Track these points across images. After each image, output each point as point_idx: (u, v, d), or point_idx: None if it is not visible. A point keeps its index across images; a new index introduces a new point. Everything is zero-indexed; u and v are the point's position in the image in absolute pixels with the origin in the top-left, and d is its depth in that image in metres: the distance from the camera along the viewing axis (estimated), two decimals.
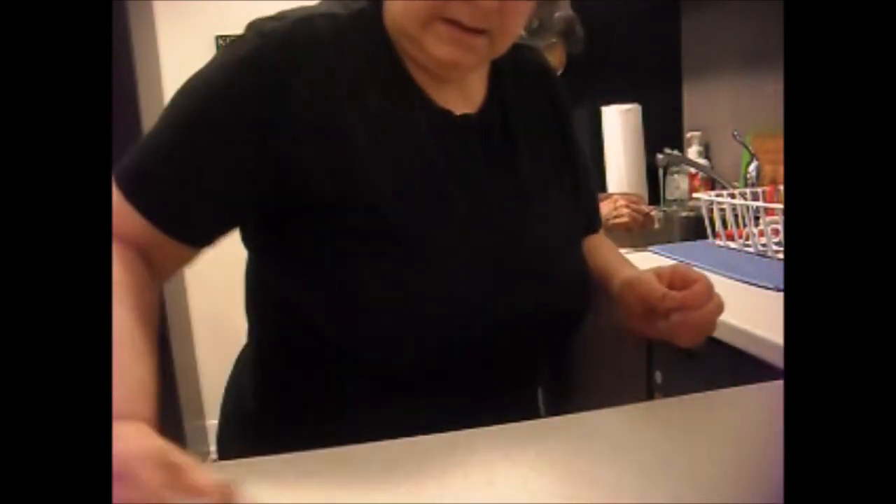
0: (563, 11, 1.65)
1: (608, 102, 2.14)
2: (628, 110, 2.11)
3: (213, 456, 0.83)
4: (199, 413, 2.89)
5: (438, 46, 0.66)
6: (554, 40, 1.64)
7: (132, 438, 0.47)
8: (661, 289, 0.71)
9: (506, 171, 0.73)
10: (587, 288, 0.78)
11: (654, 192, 2.17)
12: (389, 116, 0.68)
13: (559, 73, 1.67)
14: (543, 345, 0.75)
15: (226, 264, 3.30)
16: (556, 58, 1.65)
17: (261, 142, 0.64)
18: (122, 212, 0.64)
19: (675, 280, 0.73)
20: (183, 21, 2.81)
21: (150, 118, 2.46)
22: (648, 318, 0.72)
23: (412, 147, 0.68)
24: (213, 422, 3.38)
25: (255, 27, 0.71)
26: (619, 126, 2.10)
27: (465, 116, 0.72)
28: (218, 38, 2.83)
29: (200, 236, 0.67)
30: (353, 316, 0.66)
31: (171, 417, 2.47)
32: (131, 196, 0.65)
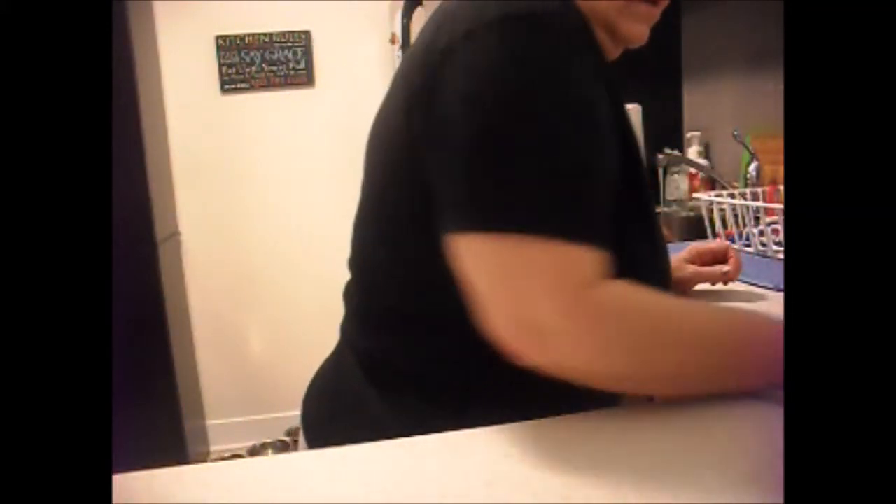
0: None
1: None
2: (628, 110, 2.11)
3: (213, 456, 0.82)
4: (199, 413, 2.89)
5: (635, 26, 0.70)
6: None
7: None
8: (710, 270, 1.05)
9: None
10: None
11: (655, 192, 2.17)
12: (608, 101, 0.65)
13: None
14: None
15: (226, 264, 3.32)
16: None
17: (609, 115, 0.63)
18: (583, 256, 0.57)
19: (698, 257, 1.04)
20: (183, 21, 2.81)
21: (150, 118, 2.47)
22: None
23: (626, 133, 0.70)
24: (212, 422, 3.37)
25: (510, 22, 0.59)
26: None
27: None
28: (218, 38, 2.83)
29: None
30: None
31: (171, 417, 2.48)
32: (574, 235, 0.57)
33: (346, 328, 0.81)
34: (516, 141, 0.57)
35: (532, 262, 0.57)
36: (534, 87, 0.58)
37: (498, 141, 0.58)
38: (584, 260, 0.57)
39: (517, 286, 0.57)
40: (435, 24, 0.65)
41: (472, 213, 0.58)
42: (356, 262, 0.78)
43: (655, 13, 0.72)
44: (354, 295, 0.79)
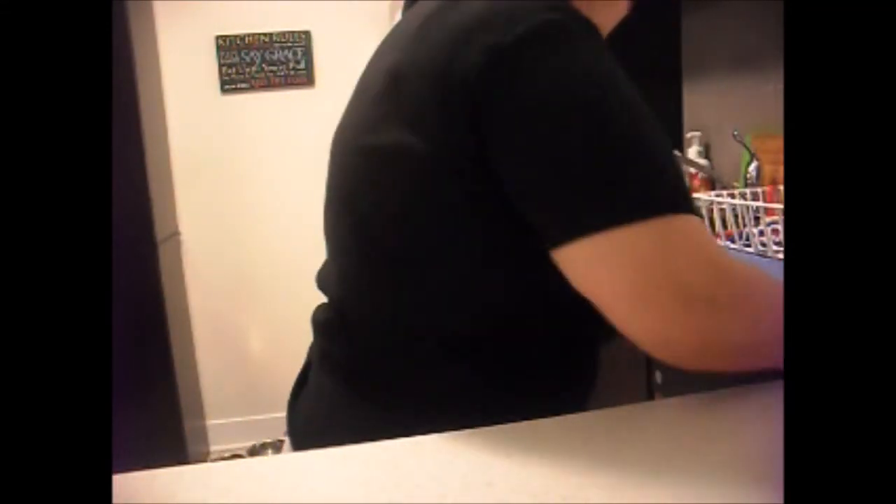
0: None
1: None
2: None
3: (213, 456, 0.83)
4: (199, 413, 2.89)
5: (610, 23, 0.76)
6: None
7: None
8: None
9: None
10: None
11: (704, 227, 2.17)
12: None
13: None
14: None
15: (226, 264, 3.32)
16: None
17: None
18: (699, 227, 0.59)
19: None
20: (183, 21, 2.81)
21: (150, 118, 2.47)
22: None
23: None
24: (212, 422, 3.37)
25: (517, 29, 0.60)
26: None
27: None
28: (218, 38, 2.83)
29: None
30: None
31: (171, 417, 2.48)
32: (687, 208, 0.59)
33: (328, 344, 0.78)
34: (605, 139, 0.58)
35: (666, 243, 0.57)
36: (601, 86, 0.60)
37: (588, 141, 0.58)
38: (702, 226, 0.59)
39: (664, 268, 0.57)
40: (440, 42, 0.63)
41: (590, 216, 0.58)
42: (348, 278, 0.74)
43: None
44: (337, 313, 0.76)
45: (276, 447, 2.84)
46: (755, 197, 1.50)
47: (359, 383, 0.73)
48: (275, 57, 2.88)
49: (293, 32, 2.89)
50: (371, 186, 0.68)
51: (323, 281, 0.81)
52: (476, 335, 0.68)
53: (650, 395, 1.33)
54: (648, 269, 0.57)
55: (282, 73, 2.89)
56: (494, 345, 0.68)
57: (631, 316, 0.59)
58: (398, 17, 0.88)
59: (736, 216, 1.44)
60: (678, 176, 0.60)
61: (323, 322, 0.78)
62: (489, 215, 0.63)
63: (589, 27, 0.62)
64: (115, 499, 0.48)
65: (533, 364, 0.71)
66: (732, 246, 1.46)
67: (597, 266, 0.59)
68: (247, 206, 2.94)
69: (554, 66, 0.59)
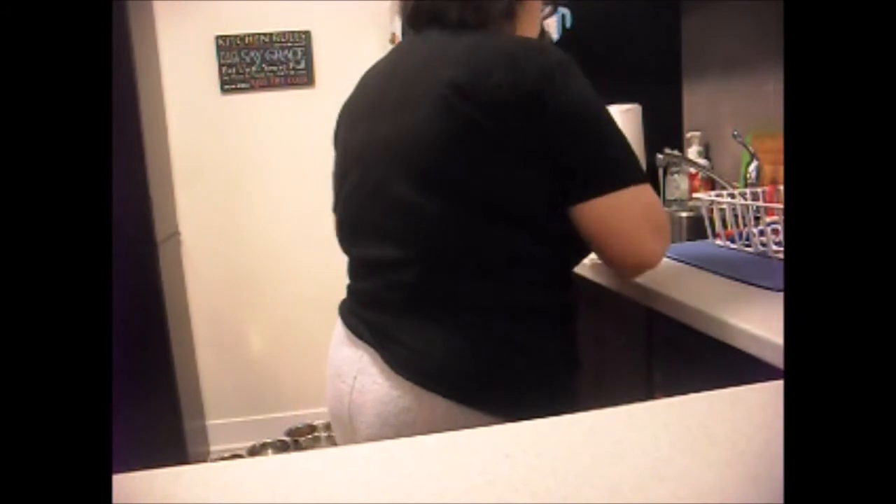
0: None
1: (608, 102, 2.13)
2: (628, 110, 2.11)
3: (213, 456, 0.83)
4: (199, 413, 2.89)
5: None
6: None
7: None
8: None
9: None
10: None
11: (655, 191, 2.17)
12: None
13: None
14: None
15: (226, 264, 3.31)
16: None
17: None
18: (651, 195, 0.98)
19: None
20: (183, 21, 2.81)
21: (150, 118, 2.47)
22: None
23: None
24: (212, 422, 3.36)
25: (553, 57, 0.94)
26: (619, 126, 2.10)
27: None
28: (218, 38, 2.83)
29: None
30: None
31: (171, 417, 2.48)
32: (644, 179, 0.97)
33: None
34: (612, 131, 0.96)
35: (645, 200, 0.97)
36: (600, 98, 0.96)
37: (603, 131, 0.95)
38: (652, 189, 0.99)
39: (646, 216, 0.97)
40: (498, 63, 0.93)
41: (604, 183, 0.94)
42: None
43: None
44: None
45: (276, 447, 2.84)
46: (755, 197, 1.50)
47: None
48: (275, 57, 2.88)
49: (293, 32, 2.89)
50: (451, 155, 0.93)
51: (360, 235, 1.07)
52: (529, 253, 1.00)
53: (650, 395, 1.33)
54: (638, 216, 0.96)
55: (282, 73, 2.89)
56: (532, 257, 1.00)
57: (626, 247, 0.97)
58: (396, 28, 1.10)
59: (736, 216, 1.44)
60: (638, 158, 0.98)
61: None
62: (536, 180, 0.94)
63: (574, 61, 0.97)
64: (115, 499, 0.48)
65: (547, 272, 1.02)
66: (732, 246, 1.46)
67: (608, 215, 0.95)
68: (247, 206, 2.94)
69: (577, 82, 0.94)
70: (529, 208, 0.95)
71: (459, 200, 0.94)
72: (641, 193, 0.96)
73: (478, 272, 0.96)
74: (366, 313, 1.03)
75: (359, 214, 1.06)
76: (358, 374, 1.00)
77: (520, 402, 0.88)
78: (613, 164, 0.95)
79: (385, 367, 0.96)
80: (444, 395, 0.93)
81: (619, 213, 0.95)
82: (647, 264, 0.99)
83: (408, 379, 0.94)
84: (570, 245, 1.00)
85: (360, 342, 1.01)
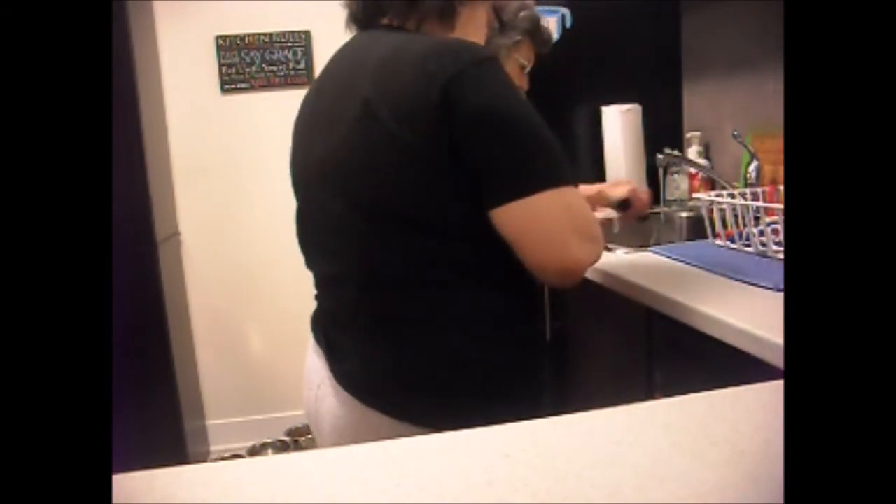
0: (528, 10, 1.65)
1: (608, 102, 2.14)
2: (628, 110, 2.11)
3: (213, 456, 0.83)
4: (199, 413, 2.89)
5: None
6: (519, 38, 1.64)
7: None
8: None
9: None
10: None
11: (655, 192, 2.17)
12: None
13: (527, 70, 1.66)
14: None
15: (226, 264, 3.31)
16: (523, 55, 1.65)
17: None
18: (579, 193, 0.93)
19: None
20: (183, 21, 2.81)
21: (150, 118, 2.47)
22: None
23: None
24: (212, 422, 3.36)
25: (465, 58, 0.89)
26: (619, 126, 2.10)
27: None
28: (218, 38, 2.83)
29: None
30: None
31: (171, 417, 2.47)
32: (572, 181, 0.92)
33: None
34: (530, 131, 0.89)
35: (568, 203, 0.91)
36: (519, 98, 0.91)
37: (518, 132, 0.89)
38: (579, 192, 0.94)
39: (569, 219, 0.91)
40: (414, 67, 0.89)
41: (521, 186, 0.88)
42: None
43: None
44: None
45: (276, 447, 2.84)
46: (755, 197, 1.50)
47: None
48: (275, 57, 2.88)
49: (293, 32, 2.88)
50: (372, 170, 0.91)
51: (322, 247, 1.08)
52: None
53: (650, 395, 1.33)
54: (559, 220, 0.90)
55: (282, 73, 2.89)
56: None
57: (546, 253, 0.91)
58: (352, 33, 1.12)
59: (736, 216, 1.44)
60: (566, 160, 0.92)
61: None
62: (456, 186, 0.90)
63: (497, 59, 0.93)
64: (115, 499, 0.48)
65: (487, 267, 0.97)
66: (732, 246, 1.46)
67: (524, 219, 0.89)
68: (247, 206, 2.94)
69: (494, 82, 0.90)
70: (455, 216, 0.91)
71: (384, 216, 0.92)
72: (563, 196, 0.89)
73: (413, 286, 0.93)
74: (323, 327, 1.05)
75: (308, 231, 1.10)
76: (321, 383, 1.02)
77: (470, 414, 0.72)
78: (530, 167, 0.88)
79: (335, 381, 0.97)
80: (385, 413, 0.91)
81: (538, 217, 0.88)
82: (572, 271, 0.92)
83: (352, 395, 0.94)
84: (508, 249, 0.93)
85: (322, 353, 1.03)
